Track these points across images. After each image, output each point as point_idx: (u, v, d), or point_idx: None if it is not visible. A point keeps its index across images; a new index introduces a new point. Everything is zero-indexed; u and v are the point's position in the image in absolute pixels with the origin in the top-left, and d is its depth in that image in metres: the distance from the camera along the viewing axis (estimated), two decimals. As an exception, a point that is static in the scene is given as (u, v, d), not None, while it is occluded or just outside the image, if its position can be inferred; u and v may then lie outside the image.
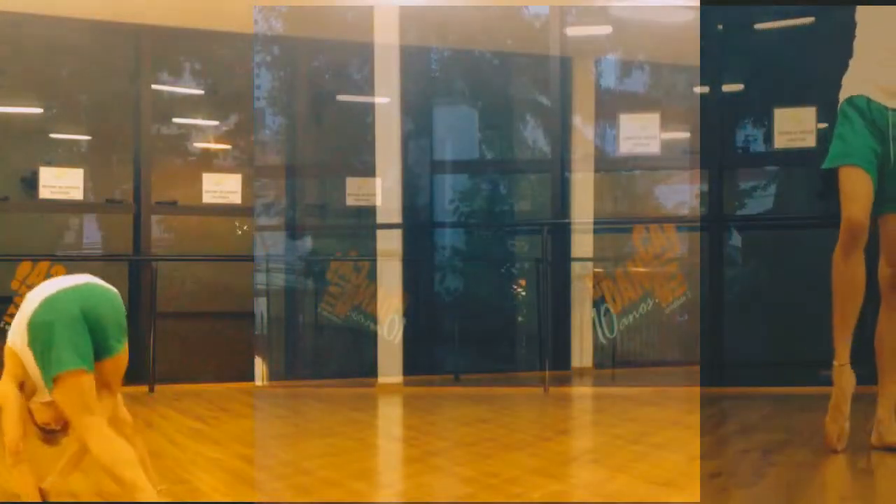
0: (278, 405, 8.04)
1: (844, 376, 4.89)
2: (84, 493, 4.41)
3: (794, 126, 8.33)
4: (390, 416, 7.74)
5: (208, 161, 10.55)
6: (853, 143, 4.87)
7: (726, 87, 9.22)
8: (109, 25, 9.25)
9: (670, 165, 10.21)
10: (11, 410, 3.88)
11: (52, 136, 10.13)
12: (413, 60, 9.91)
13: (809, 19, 9.11)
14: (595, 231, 10.18)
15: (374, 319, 8.99)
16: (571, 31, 10.27)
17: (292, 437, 6.49)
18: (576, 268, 10.05)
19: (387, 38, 8.88)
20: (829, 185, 5.13)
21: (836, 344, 4.90)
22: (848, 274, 4.79)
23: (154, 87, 9.87)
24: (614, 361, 9.86)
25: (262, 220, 10.44)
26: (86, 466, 4.89)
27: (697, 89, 9.46)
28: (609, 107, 10.44)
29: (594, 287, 9.84)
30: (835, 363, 4.91)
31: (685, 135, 9.97)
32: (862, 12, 5.12)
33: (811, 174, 8.63)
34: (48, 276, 8.41)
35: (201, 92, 10.67)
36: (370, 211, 9.33)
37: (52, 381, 3.72)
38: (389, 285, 8.92)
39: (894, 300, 5.01)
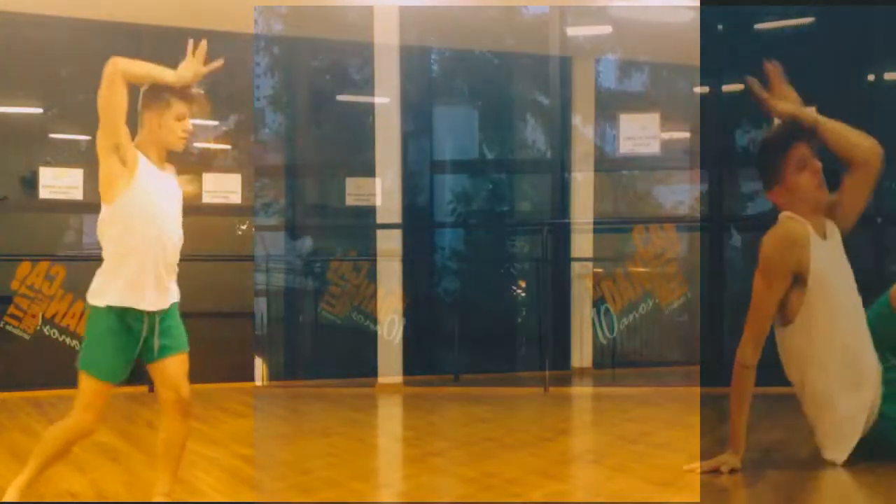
0: (278, 405, 8.04)
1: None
2: (84, 493, 4.42)
3: (794, 126, 8.31)
4: (390, 416, 7.74)
5: (208, 161, 10.54)
6: None
7: (726, 87, 9.21)
8: (109, 25, 9.24)
9: (670, 165, 10.22)
10: None
11: (52, 136, 10.13)
12: (413, 60, 9.91)
13: (809, 19, 9.12)
14: (595, 231, 10.18)
15: (374, 319, 8.99)
16: (571, 31, 10.27)
17: (292, 437, 6.49)
18: (576, 268, 10.05)
19: (387, 38, 8.88)
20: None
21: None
22: None
23: (154, 86, 9.85)
24: (614, 361, 9.85)
25: (262, 220, 10.44)
26: (84, 465, 4.91)
27: (697, 89, 9.46)
28: (609, 107, 10.45)
29: (594, 287, 9.84)
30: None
31: (685, 135, 9.97)
32: None
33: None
34: (48, 276, 8.43)
35: (201, 92, 10.65)
36: (370, 211, 9.33)
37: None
38: (389, 285, 8.92)
39: None
